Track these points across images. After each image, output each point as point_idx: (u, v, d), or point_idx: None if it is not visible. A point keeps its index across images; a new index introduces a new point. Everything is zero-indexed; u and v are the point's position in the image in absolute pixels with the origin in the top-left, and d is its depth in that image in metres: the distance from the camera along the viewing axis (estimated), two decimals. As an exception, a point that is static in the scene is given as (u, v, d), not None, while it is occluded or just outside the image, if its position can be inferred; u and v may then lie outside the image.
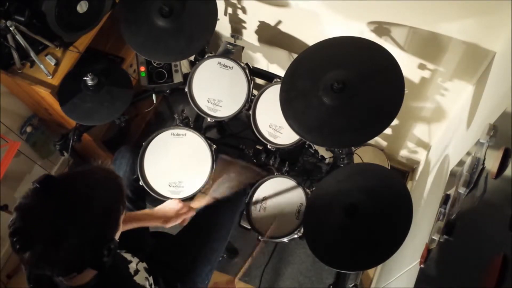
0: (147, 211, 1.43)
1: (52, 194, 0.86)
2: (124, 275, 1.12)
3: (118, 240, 0.99)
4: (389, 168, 2.21)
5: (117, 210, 0.94)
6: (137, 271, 1.18)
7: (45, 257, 0.83)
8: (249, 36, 2.03)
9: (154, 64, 1.78)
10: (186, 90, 1.73)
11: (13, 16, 1.47)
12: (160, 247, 1.47)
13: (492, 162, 0.89)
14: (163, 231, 1.58)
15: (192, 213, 1.45)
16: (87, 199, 0.89)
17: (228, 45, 1.88)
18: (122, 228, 1.00)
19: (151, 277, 1.22)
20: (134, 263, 1.19)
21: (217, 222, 1.54)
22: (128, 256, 1.20)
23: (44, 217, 0.84)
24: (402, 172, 2.37)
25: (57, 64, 1.72)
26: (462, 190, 1.02)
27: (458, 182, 1.04)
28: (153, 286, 1.21)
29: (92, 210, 0.88)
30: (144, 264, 1.24)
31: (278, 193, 1.64)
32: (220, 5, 1.84)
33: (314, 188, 1.59)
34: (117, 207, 0.95)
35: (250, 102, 1.71)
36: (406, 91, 1.28)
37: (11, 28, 1.48)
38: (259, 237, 1.58)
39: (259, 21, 1.91)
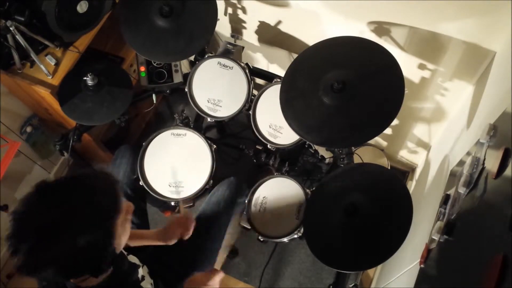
0: (151, 231, 1.46)
1: (47, 200, 0.87)
2: (131, 281, 1.12)
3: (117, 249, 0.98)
4: (389, 168, 2.21)
5: (111, 218, 0.92)
6: (143, 278, 1.17)
7: (32, 261, 0.84)
8: (249, 36, 2.03)
9: (154, 64, 1.78)
10: (186, 90, 1.73)
11: (13, 16, 1.47)
12: (160, 248, 1.47)
13: (492, 162, 0.89)
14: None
15: (192, 224, 1.44)
16: (81, 205, 0.88)
17: (228, 45, 1.87)
18: (124, 238, 0.98)
19: (152, 281, 1.22)
20: (141, 268, 1.19)
21: (216, 222, 1.54)
22: (136, 261, 1.20)
23: (37, 222, 0.84)
24: (402, 172, 2.37)
25: (57, 64, 1.72)
26: (462, 190, 1.01)
27: (458, 182, 1.04)
28: None
29: (85, 217, 0.87)
30: (146, 268, 1.24)
31: (278, 193, 1.64)
32: (220, 5, 1.84)
33: (314, 188, 1.59)
34: (112, 215, 0.93)
35: (250, 102, 1.71)
36: (406, 91, 1.28)
37: (11, 28, 1.48)
38: (259, 237, 1.58)
39: (259, 21, 1.91)
